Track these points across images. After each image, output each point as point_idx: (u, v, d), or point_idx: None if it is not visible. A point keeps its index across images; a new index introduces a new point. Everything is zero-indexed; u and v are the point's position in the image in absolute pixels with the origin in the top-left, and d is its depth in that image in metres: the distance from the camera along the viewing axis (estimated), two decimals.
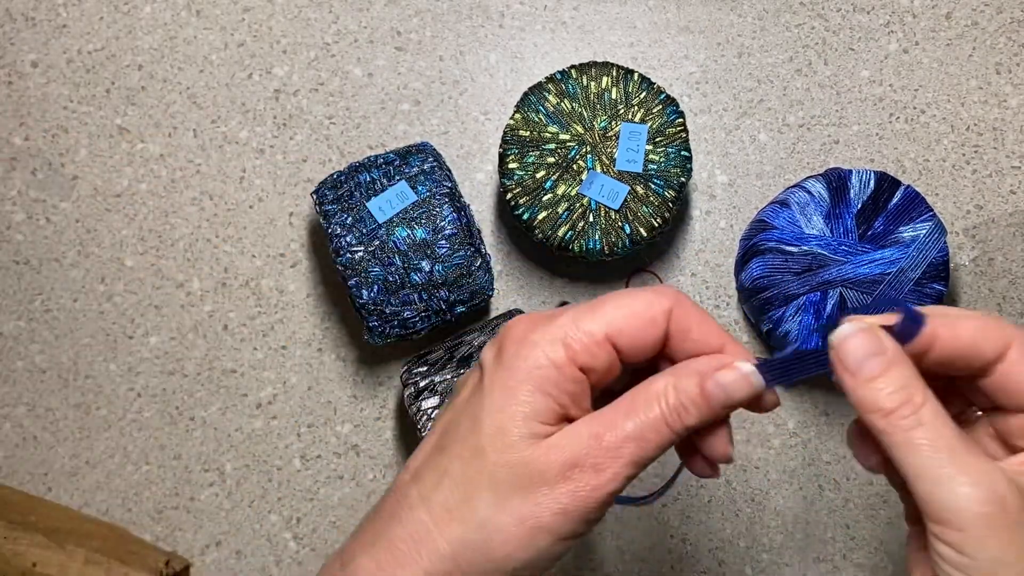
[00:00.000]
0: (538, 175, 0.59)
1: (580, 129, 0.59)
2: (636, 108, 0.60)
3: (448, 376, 0.55)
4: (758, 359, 0.32)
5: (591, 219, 0.58)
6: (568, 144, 0.59)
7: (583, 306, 0.33)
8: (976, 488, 0.27)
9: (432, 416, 0.55)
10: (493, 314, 0.65)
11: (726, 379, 0.32)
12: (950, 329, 0.30)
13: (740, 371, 0.32)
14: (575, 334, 0.32)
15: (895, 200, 0.59)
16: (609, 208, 0.58)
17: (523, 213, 0.59)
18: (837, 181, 0.59)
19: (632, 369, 0.35)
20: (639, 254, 0.65)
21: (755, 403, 0.33)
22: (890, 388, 0.29)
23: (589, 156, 0.59)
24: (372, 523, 0.34)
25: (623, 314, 0.32)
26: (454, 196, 0.57)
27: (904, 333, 0.30)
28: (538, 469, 0.31)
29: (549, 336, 0.32)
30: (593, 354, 0.32)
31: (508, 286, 0.65)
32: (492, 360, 0.33)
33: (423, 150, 0.60)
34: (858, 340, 0.30)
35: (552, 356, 0.31)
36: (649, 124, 0.59)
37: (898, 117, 0.66)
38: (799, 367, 0.32)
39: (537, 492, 0.31)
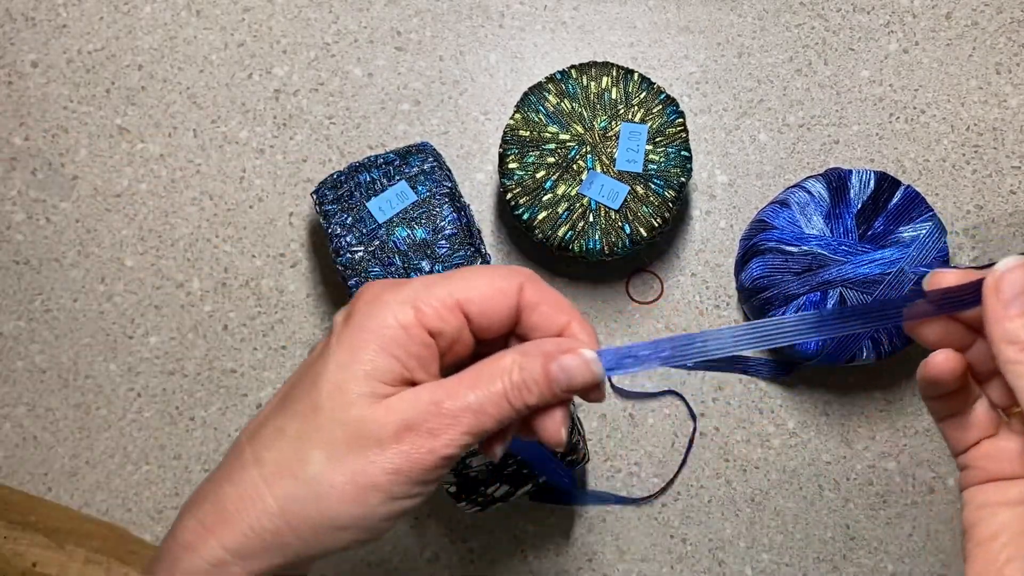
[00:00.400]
0: (538, 175, 0.59)
1: (580, 129, 0.59)
2: (636, 108, 0.60)
3: None
4: (608, 349, 0.34)
5: (591, 219, 0.58)
6: (568, 144, 0.59)
7: (437, 274, 0.34)
8: None
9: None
10: None
11: (570, 363, 0.32)
12: None
13: (583, 357, 0.32)
14: (425, 297, 0.32)
15: (895, 200, 0.59)
16: (609, 208, 0.58)
17: (523, 213, 0.59)
18: (837, 181, 0.59)
19: (483, 351, 0.35)
20: (639, 254, 0.65)
21: (588, 392, 0.34)
22: None
23: (589, 156, 0.59)
24: (205, 485, 0.33)
25: (475, 283, 0.33)
26: (454, 196, 0.57)
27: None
28: (373, 428, 0.31)
29: (399, 298, 0.32)
30: (443, 318, 0.32)
31: None
32: (341, 321, 0.33)
33: (423, 150, 0.60)
34: (1019, 275, 0.30)
35: (400, 317, 0.32)
36: (649, 124, 0.59)
37: (898, 117, 0.66)
38: (636, 360, 0.33)
39: (371, 451, 0.31)
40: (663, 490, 0.64)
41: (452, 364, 0.34)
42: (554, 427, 0.34)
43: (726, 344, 0.33)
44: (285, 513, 0.31)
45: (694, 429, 0.64)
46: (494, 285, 0.33)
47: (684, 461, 0.64)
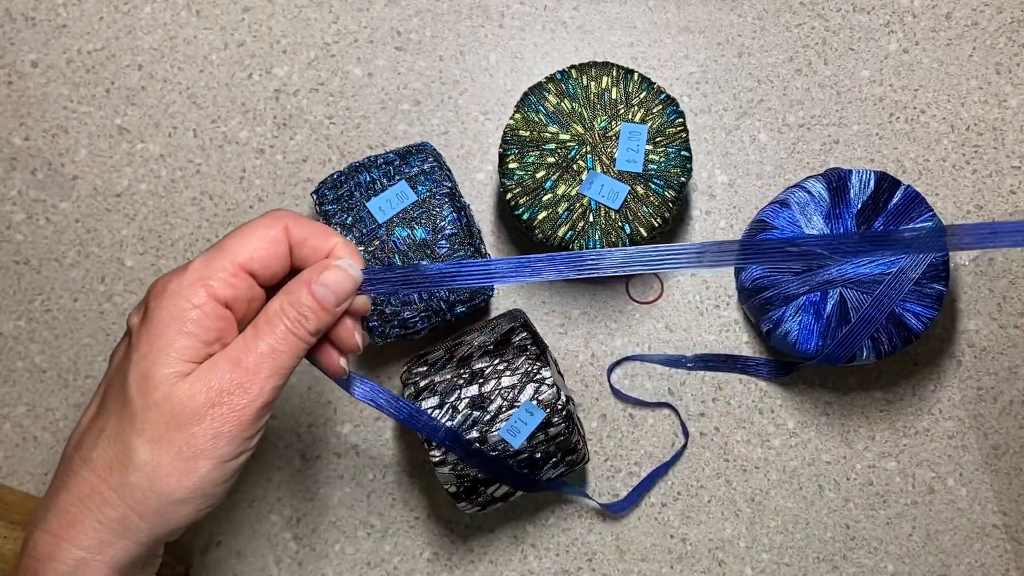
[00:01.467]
0: (538, 175, 0.59)
1: (580, 129, 0.59)
2: (636, 108, 0.60)
3: (448, 376, 0.55)
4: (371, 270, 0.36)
5: (591, 219, 0.58)
6: (568, 144, 0.59)
7: (211, 249, 0.35)
8: None
9: (431, 415, 0.55)
10: (493, 314, 0.65)
11: (328, 278, 0.35)
12: None
13: (340, 268, 0.35)
14: (210, 273, 0.34)
15: (895, 200, 0.59)
16: (609, 208, 0.58)
17: (523, 213, 0.59)
18: (837, 181, 0.59)
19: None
20: None
21: (357, 305, 0.37)
22: None
23: (589, 156, 0.59)
24: (44, 502, 0.35)
25: (248, 242, 0.35)
26: (454, 196, 0.57)
27: None
28: (185, 402, 0.33)
29: (186, 282, 0.34)
30: (232, 286, 0.34)
31: (508, 286, 0.65)
32: (138, 321, 0.35)
33: (423, 150, 0.60)
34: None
35: (193, 299, 0.34)
36: (649, 124, 0.59)
37: (898, 117, 0.66)
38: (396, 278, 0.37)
39: (188, 424, 0.33)
40: (626, 504, 0.64)
41: (249, 321, 0.36)
42: (349, 338, 0.37)
43: (547, 269, 0.36)
44: (125, 500, 0.33)
45: (684, 445, 0.63)
46: (265, 236, 0.35)
47: (657, 472, 0.63)
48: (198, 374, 0.33)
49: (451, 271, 0.36)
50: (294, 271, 0.37)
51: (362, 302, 0.38)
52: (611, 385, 0.64)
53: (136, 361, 0.33)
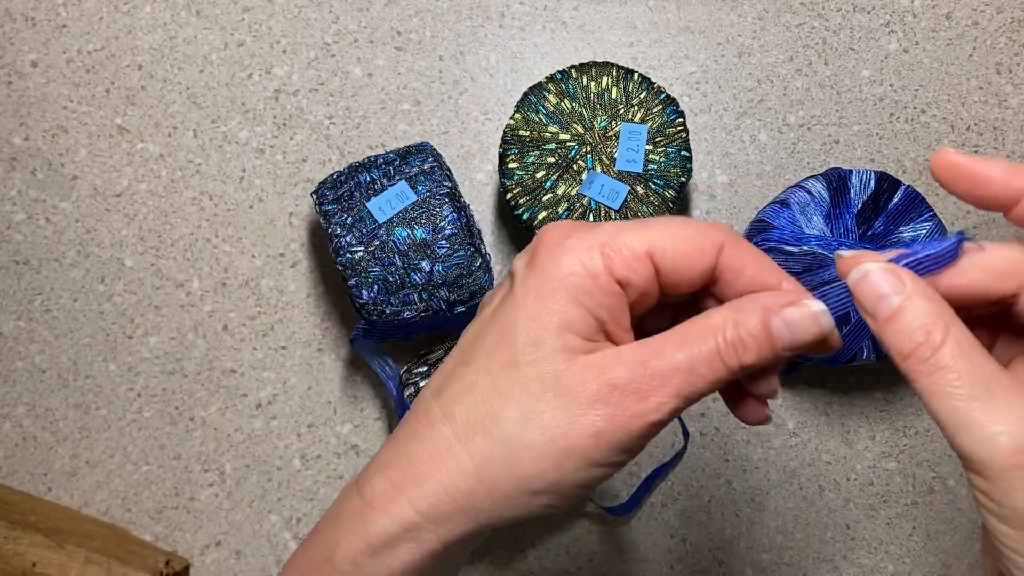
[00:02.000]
0: (538, 175, 0.59)
1: (580, 129, 0.59)
2: (636, 108, 0.59)
3: None
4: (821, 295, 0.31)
5: (591, 219, 0.58)
6: (568, 144, 0.59)
7: (629, 221, 0.31)
8: (1006, 435, 0.25)
9: None
10: None
11: (793, 316, 0.29)
12: (984, 256, 0.28)
13: (809, 309, 0.29)
14: (615, 243, 0.29)
15: (895, 200, 0.59)
16: (609, 208, 0.58)
17: (523, 213, 0.59)
18: (837, 181, 0.59)
19: (673, 313, 0.33)
20: None
21: (817, 346, 0.30)
22: (909, 326, 0.27)
23: (589, 156, 0.59)
24: (391, 445, 0.31)
25: (670, 235, 0.30)
26: (454, 196, 0.57)
27: (935, 260, 0.28)
28: (574, 386, 0.28)
29: (587, 243, 0.29)
30: (632, 268, 0.29)
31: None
32: (524, 267, 0.30)
33: (423, 150, 0.60)
34: (875, 279, 0.28)
35: (588, 264, 0.29)
36: (649, 124, 0.59)
37: (898, 117, 0.66)
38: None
39: (572, 411, 0.28)
40: (629, 507, 0.64)
41: (641, 315, 0.32)
42: (772, 383, 0.32)
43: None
44: (480, 472, 0.29)
45: (684, 446, 0.63)
46: (691, 241, 0.30)
47: (657, 474, 0.63)
48: (595, 360, 0.29)
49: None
50: (711, 295, 0.32)
51: (836, 339, 0.31)
52: None
53: (523, 320, 0.29)
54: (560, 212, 0.58)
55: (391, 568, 0.29)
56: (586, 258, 0.29)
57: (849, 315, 0.57)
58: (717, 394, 0.63)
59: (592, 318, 0.29)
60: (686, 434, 0.64)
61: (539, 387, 0.28)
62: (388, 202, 0.57)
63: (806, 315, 0.29)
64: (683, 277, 0.30)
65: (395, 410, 0.59)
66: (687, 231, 0.30)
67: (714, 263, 0.30)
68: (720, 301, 0.32)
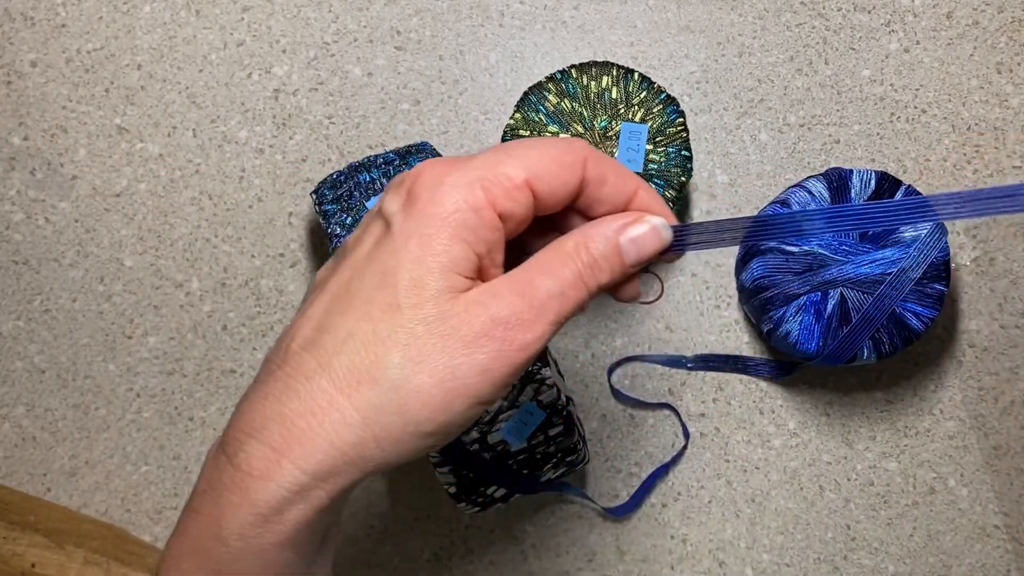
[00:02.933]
0: None
1: (580, 129, 0.59)
2: (636, 108, 0.59)
3: None
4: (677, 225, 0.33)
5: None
6: None
7: (498, 149, 0.31)
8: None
9: None
10: None
11: (637, 233, 0.31)
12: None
13: (650, 224, 0.31)
14: (494, 177, 0.29)
15: None
16: None
17: None
18: (838, 181, 0.59)
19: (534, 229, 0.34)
20: None
21: (661, 256, 0.33)
22: None
23: None
24: (258, 404, 0.29)
25: (542, 157, 0.30)
26: None
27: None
28: (459, 325, 0.28)
29: (466, 179, 0.29)
30: (514, 199, 0.30)
31: None
32: (400, 208, 0.29)
33: (423, 150, 0.60)
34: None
35: (471, 200, 0.29)
36: (649, 124, 0.59)
37: (899, 117, 0.66)
38: (710, 237, 0.32)
39: (459, 351, 0.28)
40: (630, 507, 0.64)
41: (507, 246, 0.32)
42: (632, 290, 0.33)
43: (816, 226, 0.31)
44: (368, 423, 0.28)
45: (684, 446, 0.63)
46: (562, 160, 0.31)
47: (657, 474, 0.63)
48: (476, 297, 0.29)
49: (762, 224, 0.32)
50: (574, 211, 0.33)
51: (673, 254, 0.33)
52: (611, 386, 0.64)
53: (405, 263, 0.28)
54: None
55: (282, 532, 0.28)
56: (468, 194, 0.29)
57: (850, 315, 0.57)
58: (717, 393, 0.63)
59: (474, 254, 0.29)
60: (686, 434, 0.63)
61: (424, 329, 0.28)
62: None
63: (648, 231, 0.31)
64: (557, 197, 0.31)
65: None
66: (557, 151, 0.31)
67: (582, 177, 0.31)
68: (583, 214, 0.33)
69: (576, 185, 0.31)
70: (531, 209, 0.31)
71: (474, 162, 0.30)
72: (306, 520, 0.28)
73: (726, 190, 0.65)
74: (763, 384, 0.64)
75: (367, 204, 0.56)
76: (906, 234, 0.58)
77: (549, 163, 0.30)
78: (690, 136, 0.66)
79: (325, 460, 0.28)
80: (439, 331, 0.28)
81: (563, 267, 0.30)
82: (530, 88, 0.60)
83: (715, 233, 0.32)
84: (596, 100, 0.60)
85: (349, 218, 0.56)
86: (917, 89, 0.66)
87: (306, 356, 0.29)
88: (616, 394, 0.64)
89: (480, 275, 0.30)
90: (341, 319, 0.29)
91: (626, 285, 0.33)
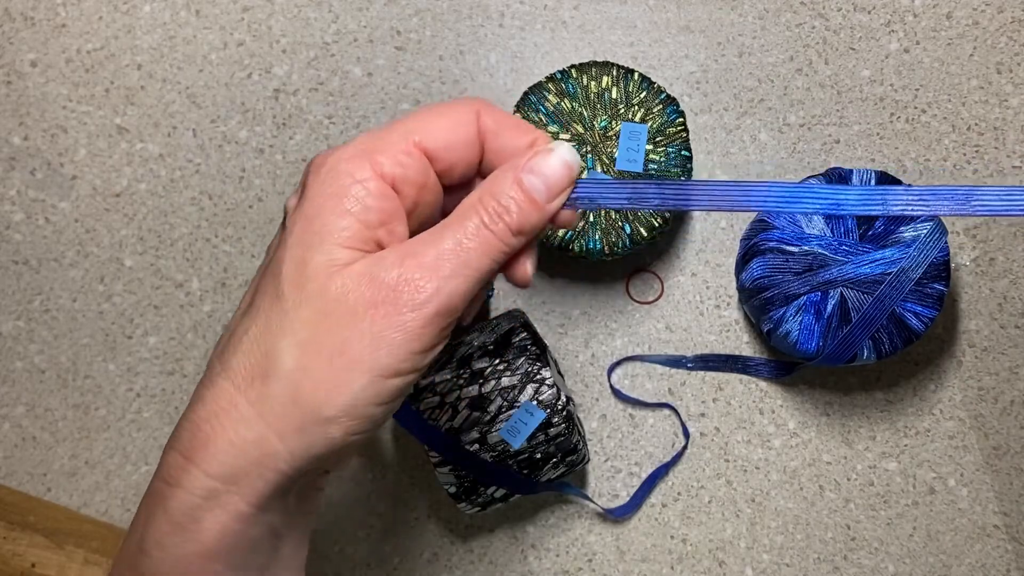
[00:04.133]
0: None
1: (580, 129, 0.59)
2: (636, 108, 0.59)
3: (448, 376, 0.55)
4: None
5: (591, 219, 0.58)
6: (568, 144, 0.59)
7: (389, 122, 0.30)
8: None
9: (432, 415, 0.55)
10: (493, 314, 0.65)
11: (540, 165, 0.29)
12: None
13: (553, 152, 0.28)
14: (379, 144, 0.28)
15: None
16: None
17: None
18: (838, 181, 0.59)
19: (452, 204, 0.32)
20: (639, 254, 0.65)
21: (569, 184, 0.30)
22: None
23: (589, 156, 0.59)
24: (182, 416, 0.29)
25: (427, 118, 0.29)
26: None
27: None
28: (342, 297, 0.27)
29: (347, 154, 0.28)
30: (401, 163, 0.28)
31: (508, 286, 0.65)
32: (295, 203, 0.29)
33: None
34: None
35: (354, 172, 0.28)
36: (649, 124, 0.59)
37: (899, 117, 0.66)
38: (603, 192, 0.30)
39: (344, 323, 0.27)
40: (629, 508, 0.64)
41: (424, 221, 0.31)
42: (522, 269, 0.31)
43: (707, 198, 0.29)
44: (263, 415, 0.27)
45: (684, 446, 0.63)
46: (452, 116, 0.29)
47: (657, 474, 0.63)
48: (360, 266, 0.27)
49: (678, 192, 0.30)
50: (479, 176, 0.31)
51: (568, 215, 0.30)
52: (611, 385, 0.64)
53: (291, 246, 0.28)
54: None
55: (201, 542, 0.27)
56: (352, 167, 0.28)
57: (850, 315, 0.57)
58: (717, 393, 0.63)
59: (362, 225, 0.28)
60: (686, 434, 0.63)
61: (308, 310, 0.27)
62: None
63: (552, 160, 0.29)
64: (456, 156, 0.30)
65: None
66: (447, 107, 0.30)
67: (476, 133, 0.30)
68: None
69: (473, 141, 0.30)
70: (426, 172, 0.29)
71: (359, 137, 0.29)
72: (227, 529, 0.27)
73: None
74: (763, 384, 0.64)
75: None
76: (906, 234, 0.58)
77: (438, 120, 0.29)
78: (690, 136, 0.66)
79: (228, 461, 0.27)
80: (322, 307, 0.27)
81: (463, 221, 0.28)
82: (530, 88, 0.60)
83: (625, 188, 0.30)
84: (596, 100, 0.60)
85: None
86: (917, 89, 0.66)
87: (214, 362, 0.29)
88: (616, 394, 0.64)
89: (378, 248, 0.29)
90: (241, 320, 0.28)
91: (518, 265, 0.31)
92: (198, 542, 0.27)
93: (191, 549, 0.27)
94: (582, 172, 0.31)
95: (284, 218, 0.29)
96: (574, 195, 0.30)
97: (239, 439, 0.27)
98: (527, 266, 0.31)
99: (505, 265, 0.31)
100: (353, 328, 0.27)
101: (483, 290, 0.31)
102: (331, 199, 0.28)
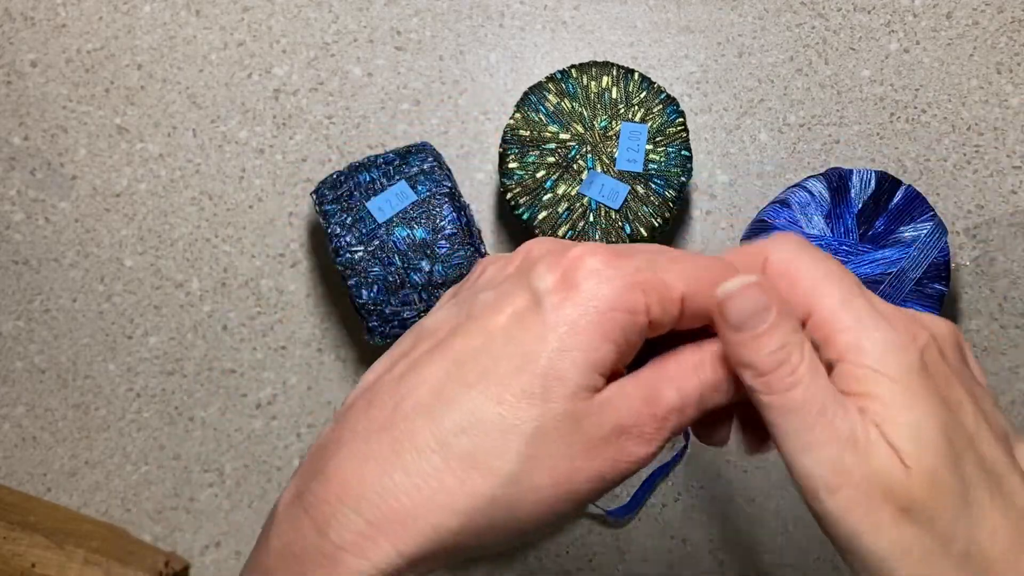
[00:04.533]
0: (538, 175, 0.59)
1: (580, 129, 0.59)
2: (636, 108, 0.59)
3: None
4: None
5: (591, 219, 0.58)
6: (568, 144, 0.59)
7: (655, 251, 0.28)
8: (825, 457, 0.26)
9: None
10: None
11: (730, 288, 0.27)
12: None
13: (741, 281, 0.27)
14: (655, 283, 0.27)
15: (896, 200, 0.59)
16: (609, 208, 0.58)
17: (523, 213, 0.59)
18: (838, 181, 0.59)
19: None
20: None
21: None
22: (771, 347, 0.26)
23: (589, 156, 0.59)
24: (354, 466, 0.27)
25: (698, 271, 0.28)
26: (454, 196, 0.57)
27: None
28: (588, 429, 0.26)
29: (629, 279, 0.27)
30: (667, 310, 0.27)
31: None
32: (554, 290, 0.27)
33: (423, 150, 0.60)
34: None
35: (630, 302, 0.27)
36: (649, 124, 0.59)
37: (899, 117, 0.66)
38: None
39: (580, 455, 0.26)
40: (630, 508, 0.64)
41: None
42: (720, 437, 0.31)
43: None
44: (475, 513, 0.26)
45: (684, 446, 0.63)
46: (713, 282, 0.28)
47: (657, 474, 0.63)
48: (608, 399, 0.27)
49: None
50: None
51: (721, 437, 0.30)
52: None
53: (551, 352, 0.26)
54: (560, 212, 0.58)
55: None
56: (628, 296, 0.27)
57: None
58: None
59: (617, 357, 0.27)
60: (686, 434, 0.63)
61: (554, 426, 0.26)
62: (388, 202, 0.57)
63: (738, 287, 0.27)
64: (698, 317, 0.29)
65: None
66: (710, 272, 0.28)
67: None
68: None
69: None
70: (675, 323, 0.28)
71: (636, 260, 0.27)
72: None
73: (726, 190, 0.66)
74: None
75: (367, 204, 0.56)
76: (906, 234, 0.58)
77: (702, 283, 0.28)
78: (690, 136, 0.66)
79: (425, 544, 0.26)
80: (567, 430, 0.26)
81: (687, 381, 0.28)
82: (530, 88, 0.61)
83: None
84: (596, 100, 0.60)
85: (349, 218, 0.56)
86: (917, 89, 0.66)
87: (420, 424, 0.26)
88: None
89: (612, 377, 0.28)
90: (467, 393, 0.26)
91: (718, 428, 0.31)
92: None
93: None
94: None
95: (530, 291, 0.27)
96: None
97: (443, 527, 0.26)
98: (723, 430, 0.31)
99: (704, 426, 0.31)
100: (586, 462, 0.27)
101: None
102: (603, 320, 0.26)
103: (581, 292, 0.26)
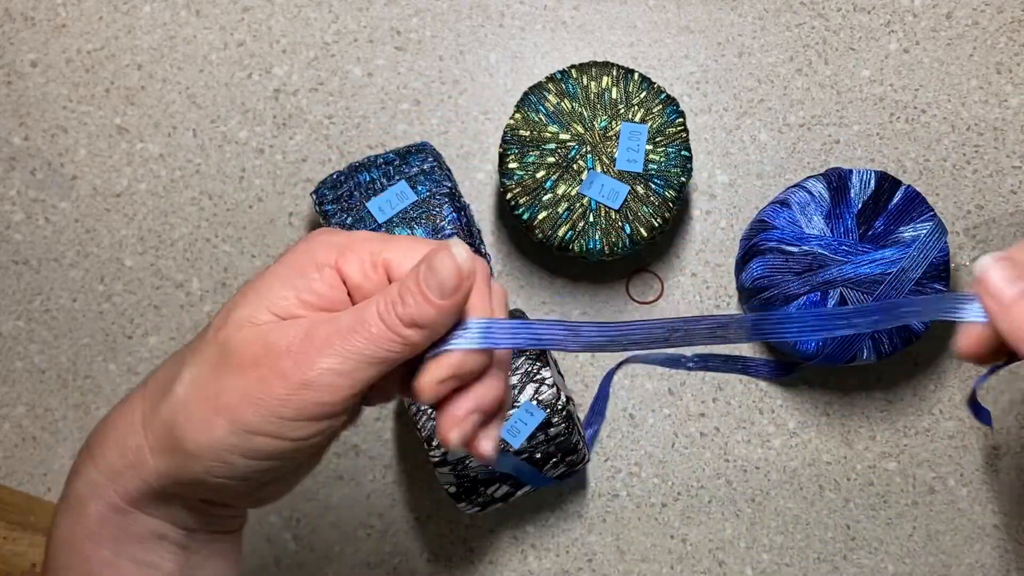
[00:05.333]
0: (538, 175, 0.59)
1: (580, 129, 0.59)
2: (636, 108, 0.59)
3: None
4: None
5: (591, 219, 0.58)
6: (568, 144, 0.59)
7: (383, 234, 0.32)
8: None
9: (432, 416, 0.55)
10: None
11: (435, 260, 0.29)
12: None
13: (450, 249, 0.29)
14: (355, 247, 0.31)
15: (896, 200, 0.59)
16: (609, 208, 0.58)
17: (523, 213, 0.59)
18: (838, 181, 0.59)
19: None
20: (639, 254, 0.65)
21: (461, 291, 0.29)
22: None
23: (589, 156, 0.59)
24: (100, 420, 0.34)
25: (412, 253, 0.30)
26: (454, 196, 0.57)
27: None
28: (237, 350, 0.29)
29: (331, 240, 0.31)
30: (365, 273, 0.30)
31: (508, 286, 0.65)
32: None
33: (423, 150, 0.60)
34: (999, 270, 0.31)
35: (320, 256, 0.30)
36: (649, 124, 0.59)
37: (899, 117, 0.66)
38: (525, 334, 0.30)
39: (227, 372, 0.29)
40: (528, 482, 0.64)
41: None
42: (482, 445, 0.31)
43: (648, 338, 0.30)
44: (145, 427, 0.30)
45: (618, 364, 0.63)
46: (422, 252, 0.30)
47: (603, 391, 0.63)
48: (264, 328, 0.29)
49: (603, 337, 0.30)
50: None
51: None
52: (609, 387, 0.64)
53: (237, 298, 0.31)
54: (560, 212, 0.58)
55: (86, 525, 0.31)
56: (321, 252, 0.31)
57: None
58: (716, 393, 0.63)
59: (299, 304, 0.30)
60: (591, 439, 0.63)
61: (214, 352, 0.30)
62: (388, 202, 0.57)
63: (443, 255, 0.29)
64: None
65: (407, 404, 0.59)
66: (423, 243, 0.31)
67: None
68: None
69: None
70: (381, 288, 0.30)
71: (351, 233, 0.32)
72: (105, 517, 0.31)
73: (726, 190, 0.66)
74: (763, 384, 0.64)
75: (367, 204, 0.56)
76: (906, 234, 0.58)
77: (413, 248, 0.30)
78: (690, 136, 0.66)
79: (113, 459, 0.31)
80: (219, 354, 0.29)
81: (363, 306, 0.29)
82: (530, 88, 0.61)
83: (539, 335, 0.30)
84: (596, 100, 0.60)
85: (349, 218, 0.56)
86: (917, 89, 0.66)
87: (148, 378, 0.32)
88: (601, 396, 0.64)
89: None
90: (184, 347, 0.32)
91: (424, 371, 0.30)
92: (84, 526, 0.31)
93: (79, 532, 0.31)
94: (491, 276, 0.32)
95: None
96: (491, 338, 0.30)
97: (124, 444, 0.31)
98: (484, 442, 0.31)
99: (468, 440, 0.31)
100: (233, 379, 0.29)
101: (391, 381, 0.32)
102: (286, 270, 0.31)
103: (282, 256, 0.32)
